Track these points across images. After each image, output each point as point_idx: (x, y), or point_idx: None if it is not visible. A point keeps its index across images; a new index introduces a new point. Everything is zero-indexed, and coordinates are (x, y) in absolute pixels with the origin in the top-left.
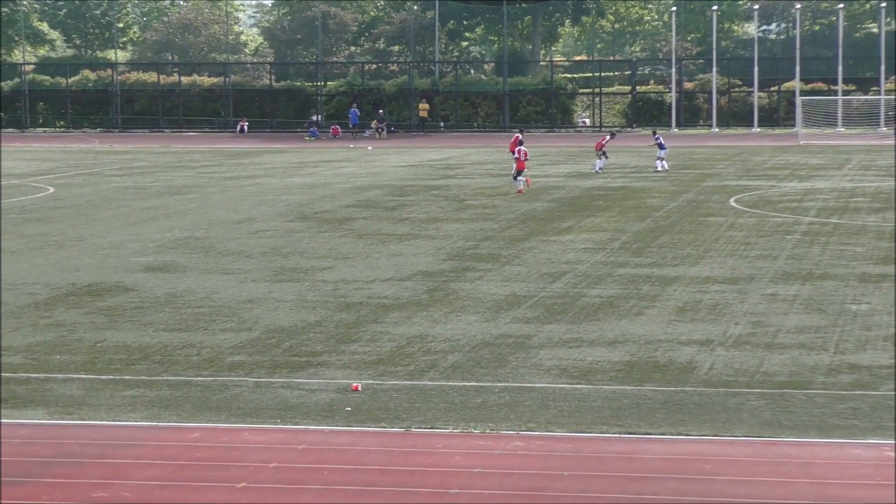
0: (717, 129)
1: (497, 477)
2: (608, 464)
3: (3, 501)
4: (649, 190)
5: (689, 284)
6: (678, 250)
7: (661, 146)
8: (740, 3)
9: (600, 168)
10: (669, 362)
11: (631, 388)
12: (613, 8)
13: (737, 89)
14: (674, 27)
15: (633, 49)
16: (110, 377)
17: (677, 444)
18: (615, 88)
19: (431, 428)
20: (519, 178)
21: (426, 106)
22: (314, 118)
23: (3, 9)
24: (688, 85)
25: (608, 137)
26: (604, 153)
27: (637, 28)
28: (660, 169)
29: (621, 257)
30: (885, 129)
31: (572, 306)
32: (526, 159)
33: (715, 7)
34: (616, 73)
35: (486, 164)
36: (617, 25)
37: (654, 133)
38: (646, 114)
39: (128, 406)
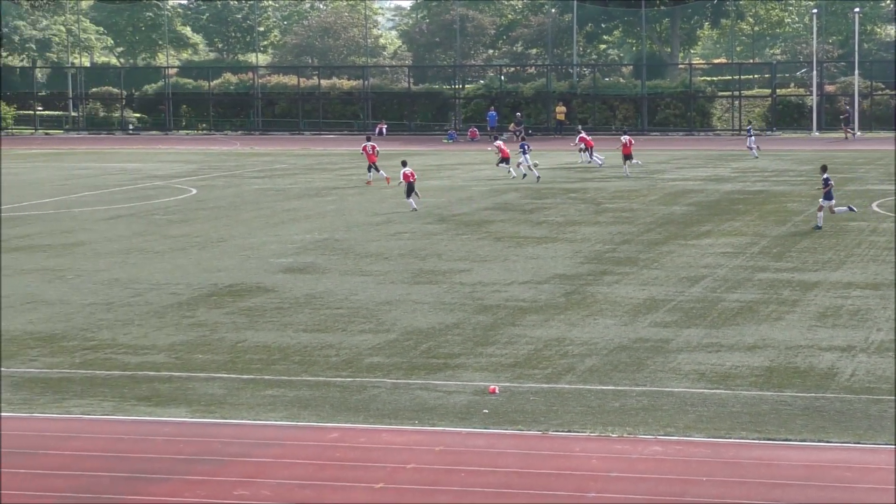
0: (858, 133)
1: (634, 481)
2: (747, 469)
3: (140, 498)
4: (789, 194)
5: (830, 290)
6: (819, 255)
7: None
8: (883, 4)
9: (601, 162)
10: (810, 368)
11: (770, 393)
12: (753, 10)
13: (879, 92)
14: (814, 29)
15: (772, 52)
16: (251, 377)
17: (818, 451)
18: (755, 91)
19: (569, 431)
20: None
21: (563, 109)
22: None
23: (148, 13)
24: (829, 88)
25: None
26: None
27: (777, 31)
28: (600, 163)
29: (761, 262)
30: None
31: (711, 311)
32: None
33: (857, 9)
34: (756, 77)
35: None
36: (757, 28)
37: (579, 129)
38: (786, 117)
39: (268, 405)
